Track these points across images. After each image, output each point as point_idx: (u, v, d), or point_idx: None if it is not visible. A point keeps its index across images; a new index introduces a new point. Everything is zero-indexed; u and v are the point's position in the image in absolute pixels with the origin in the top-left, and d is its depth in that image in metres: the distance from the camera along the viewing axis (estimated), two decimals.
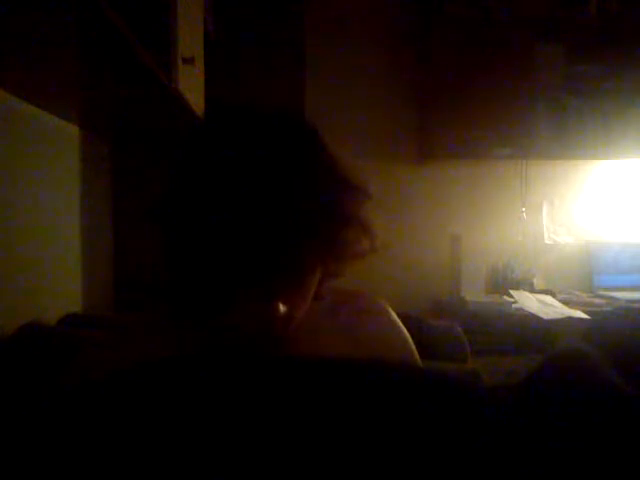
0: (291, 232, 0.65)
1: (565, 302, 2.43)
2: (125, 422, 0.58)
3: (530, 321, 2.28)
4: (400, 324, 0.88)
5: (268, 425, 0.57)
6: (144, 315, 0.82)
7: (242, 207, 0.64)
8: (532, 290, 2.61)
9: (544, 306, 2.38)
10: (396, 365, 0.69)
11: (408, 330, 0.89)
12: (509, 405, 0.60)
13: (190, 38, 1.45)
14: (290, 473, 0.56)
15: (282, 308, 0.68)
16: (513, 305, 2.42)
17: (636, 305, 2.33)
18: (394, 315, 0.88)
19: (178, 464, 0.56)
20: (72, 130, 1.65)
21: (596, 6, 2.51)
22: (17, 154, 1.33)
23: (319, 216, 0.67)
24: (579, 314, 2.24)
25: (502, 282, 2.66)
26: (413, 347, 0.87)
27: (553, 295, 2.53)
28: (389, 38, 2.69)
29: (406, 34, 2.69)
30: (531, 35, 2.53)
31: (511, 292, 2.55)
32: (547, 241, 2.75)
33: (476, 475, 0.56)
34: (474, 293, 2.62)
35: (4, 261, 1.26)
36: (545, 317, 2.25)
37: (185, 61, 1.35)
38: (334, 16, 2.64)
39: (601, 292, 2.60)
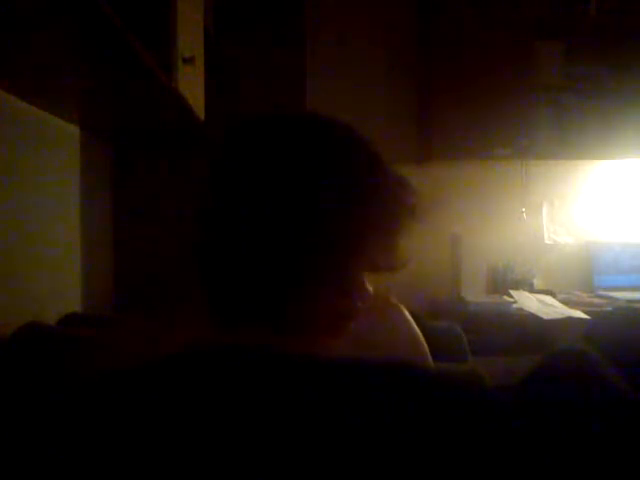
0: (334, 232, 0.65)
1: (565, 302, 2.42)
2: (135, 419, 0.58)
3: (530, 321, 2.28)
4: (414, 325, 0.88)
5: (274, 426, 0.57)
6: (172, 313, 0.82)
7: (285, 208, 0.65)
8: (532, 290, 2.61)
9: (544, 306, 2.38)
10: (398, 366, 0.69)
11: None
12: (509, 405, 0.60)
13: (190, 38, 1.45)
14: (295, 473, 0.56)
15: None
16: (513, 305, 2.42)
17: (636, 305, 2.33)
18: (408, 315, 0.88)
19: (183, 464, 0.56)
20: (72, 130, 1.65)
21: (596, 6, 2.51)
22: (17, 154, 1.33)
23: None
24: (579, 314, 2.24)
25: (502, 282, 2.66)
26: (426, 348, 0.87)
27: (553, 295, 2.52)
28: (389, 38, 2.69)
29: (406, 34, 2.69)
30: (531, 34, 2.53)
31: (511, 292, 2.54)
32: (547, 241, 2.75)
33: (476, 475, 0.56)
34: (474, 293, 2.62)
35: (4, 261, 1.26)
36: (545, 317, 2.24)
37: (185, 61, 1.35)
38: (334, 16, 2.63)
39: (601, 292, 2.59)
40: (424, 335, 1.03)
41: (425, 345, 0.87)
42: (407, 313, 0.88)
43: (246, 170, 0.68)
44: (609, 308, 2.31)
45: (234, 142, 0.72)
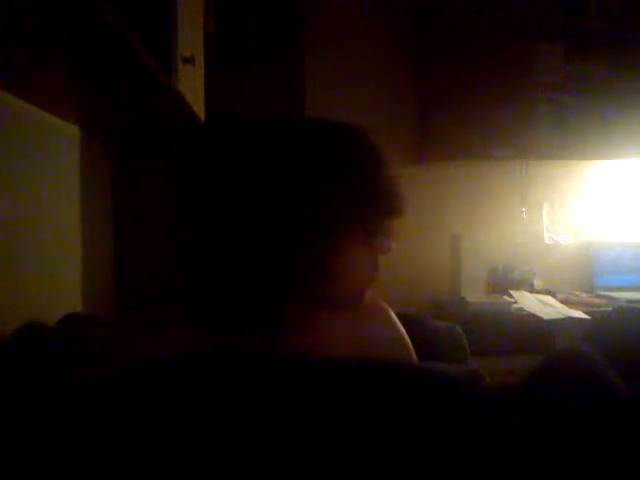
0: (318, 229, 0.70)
1: (565, 302, 2.42)
2: (129, 421, 0.58)
3: (530, 321, 2.28)
4: (399, 325, 0.88)
5: (268, 426, 0.57)
6: (158, 314, 0.83)
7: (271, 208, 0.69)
8: (532, 290, 2.61)
9: (544, 306, 2.38)
10: (398, 366, 0.69)
11: (408, 330, 0.89)
12: (509, 405, 0.60)
13: (190, 38, 1.45)
14: (290, 473, 0.56)
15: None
16: (513, 305, 2.42)
17: (636, 305, 2.33)
18: (394, 316, 0.89)
19: (182, 465, 0.56)
20: (72, 130, 1.65)
21: (596, 6, 2.51)
22: (17, 154, 1.33)
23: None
24: (579, 314, 2.24)
25: (502, 282, 2.66)
26: (412, 348, 0.88)
27: (553, 295, 2.53)
28: (389, 38, 2.69)
29: (406, 35, 2.69)
30: (531, 35, 2.53)
31: (511, 292, 2.55)
32: (547, 241, 2.75)
33: (477, 475, 0.56)
34: (474, 293, 2.61)
35: (4, 261, 1.26)
36: (545, 317, 2.25)
37: (185, 61, 1.35)
38: (334, 17, 2.63)
39: (601, 292, 2.59)
40: (424, 335, 1.03)
41: (410, 345, 0.87)
42: (392, 313, 0.89)
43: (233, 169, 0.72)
44: (609, 308, 2.31)
45: (220, 146, 0.75)
